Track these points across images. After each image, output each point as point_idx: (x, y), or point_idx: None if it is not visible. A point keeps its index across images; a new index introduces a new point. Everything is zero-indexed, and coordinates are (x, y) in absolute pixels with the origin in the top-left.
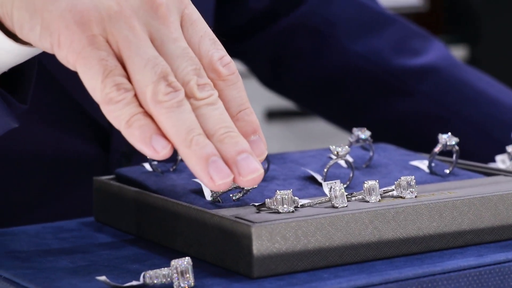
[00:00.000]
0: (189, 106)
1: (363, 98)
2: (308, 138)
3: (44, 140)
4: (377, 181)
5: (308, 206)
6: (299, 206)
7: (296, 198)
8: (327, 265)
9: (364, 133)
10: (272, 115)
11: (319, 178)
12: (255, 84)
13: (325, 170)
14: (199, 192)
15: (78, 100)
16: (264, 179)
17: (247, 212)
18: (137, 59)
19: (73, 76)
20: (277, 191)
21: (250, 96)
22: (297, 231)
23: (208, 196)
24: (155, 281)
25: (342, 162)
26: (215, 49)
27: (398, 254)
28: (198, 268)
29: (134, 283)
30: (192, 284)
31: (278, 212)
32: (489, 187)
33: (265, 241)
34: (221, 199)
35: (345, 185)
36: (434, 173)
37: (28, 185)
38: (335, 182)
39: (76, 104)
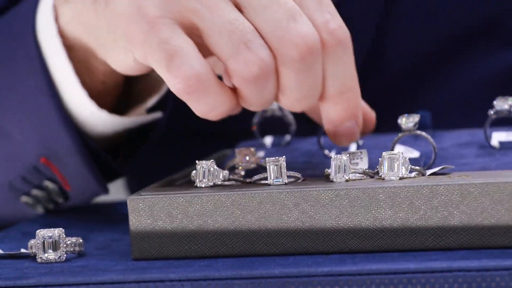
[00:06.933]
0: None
1: None
2: None
3: None
4: (348, 155)
5: (252, 182)
6: (241, 180)
7: (225, 172)
8: (234, 254)
9: (506, 102)
10: None
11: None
12: None
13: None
14: None
15: None
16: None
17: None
18: (211, 27)
19: None
20: (197, 161)
21: None
22: (188, 209)
23: None
24: (22, 250)
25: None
26: (319, 11)
27: (342, 250)
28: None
29: (22, 251)
30: (60, 258)
31: (196, 187)
32: None
33: (143, 216)
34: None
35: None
36: None
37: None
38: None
39: None
